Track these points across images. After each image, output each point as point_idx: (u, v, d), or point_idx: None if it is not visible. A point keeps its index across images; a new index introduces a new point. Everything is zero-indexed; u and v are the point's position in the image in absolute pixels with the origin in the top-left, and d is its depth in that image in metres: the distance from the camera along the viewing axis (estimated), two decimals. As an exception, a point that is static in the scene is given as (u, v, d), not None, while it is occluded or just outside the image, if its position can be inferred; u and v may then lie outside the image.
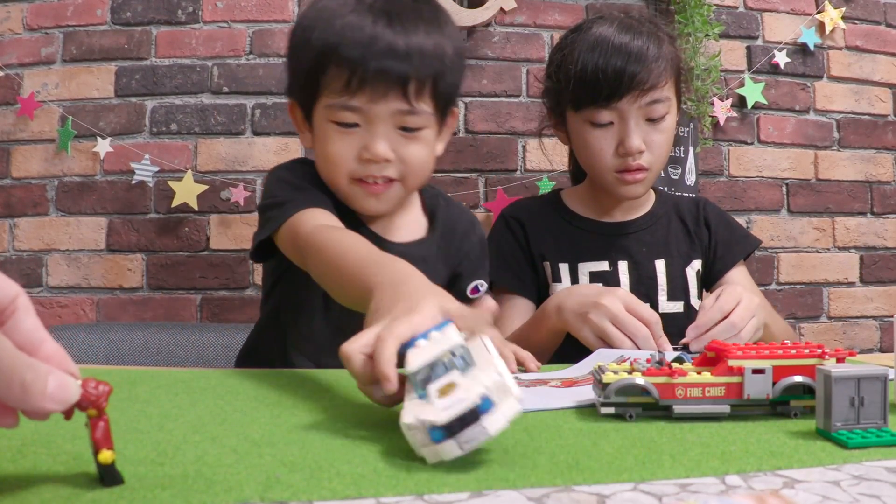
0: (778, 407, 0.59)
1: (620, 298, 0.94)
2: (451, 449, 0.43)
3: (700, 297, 1.22)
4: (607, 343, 0.93)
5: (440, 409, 0.44)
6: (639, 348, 0.90)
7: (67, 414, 0.39)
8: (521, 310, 1.19)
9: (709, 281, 1.25)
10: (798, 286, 2.04)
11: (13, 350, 0.35)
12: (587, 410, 0.62)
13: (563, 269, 1.19)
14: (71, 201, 1.82)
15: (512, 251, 1.22)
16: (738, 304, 0.94)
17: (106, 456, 0.39)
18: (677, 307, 1.18)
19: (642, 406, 0.58)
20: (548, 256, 1.20)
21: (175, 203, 1.77)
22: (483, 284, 1.08)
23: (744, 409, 0.59)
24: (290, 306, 1.01)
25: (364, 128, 0.92)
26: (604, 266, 1.18)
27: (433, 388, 0.46)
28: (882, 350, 2.09)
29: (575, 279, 1.18)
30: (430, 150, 0.98)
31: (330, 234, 0.81)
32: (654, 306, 1.15)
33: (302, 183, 0.95)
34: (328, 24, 0.89)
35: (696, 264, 1.23)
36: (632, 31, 1.09)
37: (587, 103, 1.10)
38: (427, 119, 0.94)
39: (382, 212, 0.98)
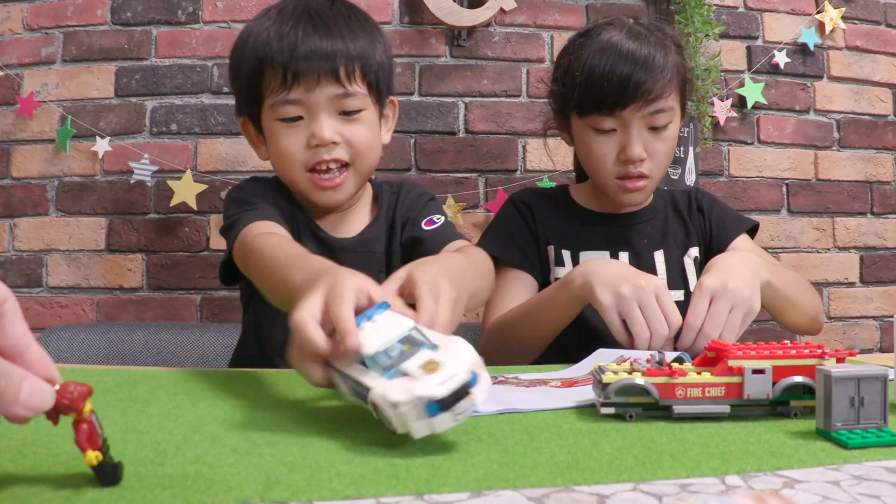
0: (778, 407, 0.59)
1: (656, 287, 0.91)
2: (445, 421, 0.47)
3: None
4: (624, 323, 0.90)
5: (436, 385, 0.47)
6: (649, 347, 0.89)
7: (52, 419, 0.39)
8: (525, 285, 1.20)
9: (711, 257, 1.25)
10: (798, 286, 2.04)
11: None
12: (587, 410, 0.62)
13: (566, 255, 1.20)
14: (71, 201, 1.82)
15: (520, 230, 1.23)
16: (709, 302, 0.90)
17: (90, 458, 0.39)
18: (678, 295, 1.18)
19: (642, 406, 0.58)
20: (552, 241, 1.22)
21: (174, 203, 1.77)
22: (438, 217, 1.10)
23: (744, 410, 0.59)
24: (266, 319, 1.06)
25: (307, 118, 0.99)
26: (605, 255, 1.19)
27: (412, 365, 0.49)
28: (882, 350, 2.09)
29: (577, 265, 1.17)
30: (372, 132, 1.04)
31: (264, 241, 0.87)
32: None
33: (250, 198, 1.03)
34: (257, 37, 1.00)
35: (693, 251, 1.24)
36: (640, 39, 1.10)
37: (591, 110, 1.11)
38: (363, 100, 1.01)
39: (341, 201, 1.05)
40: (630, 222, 1.24)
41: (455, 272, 0.71)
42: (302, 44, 0.96)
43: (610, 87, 1.07)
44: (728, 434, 0.54)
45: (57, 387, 0.39)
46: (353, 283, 0.56)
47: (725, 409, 0.58)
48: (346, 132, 1.00)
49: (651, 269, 1.19)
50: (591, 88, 1.09)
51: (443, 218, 1.10)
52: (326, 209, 1.07)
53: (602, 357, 0.85)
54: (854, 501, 0.39)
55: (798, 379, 0.58)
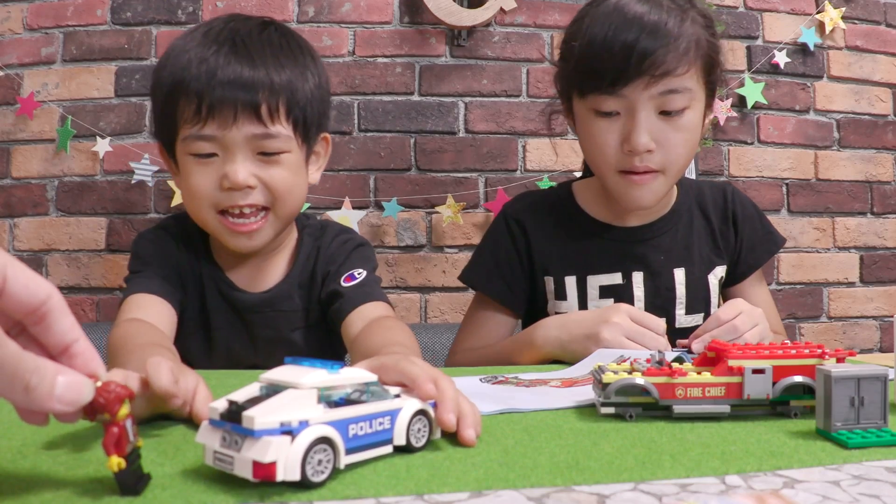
0: (778, 407, 0.59)
1: (626, 312, 0.89)
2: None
3: (719, 304, 1.09)
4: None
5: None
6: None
7: (89, 415, 0.39)
8: (500, 324, 1.11)
9: (727, 282, 1.13)
10: (798, 286, 2.04)
11: (16, 354, 0.35)
12: (587, 410, 0.62)
13: (570, 282, 1.06)
14: (71, 201, 1.82)
15: (508, 257, 1.09)
16: (739, 313, 0.89)
17: (112, 463, 0.38)
18: (697, 320, 1.05)
19: (642, 406, 0.58)
20: (552, 270, 1.07)
21: (174, 202, 1.77)
22: (360, 272, 1.00)
23: (744, 410, 0.59)
24: (183, 352, 0.97)
25: (222, 157, 0.90)
26: (616, 279, 1.05)
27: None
28: (882, 350, 2.09)
29: (583, 294, 1.05)
30: (295, 174, 0.94)
31: (122, 330, 0.84)
32: (671, 320, 1.04)
33: (144, 257, 0.98)
34: (176, 59, 0.91)
35: (720, 271, 1.09)
36: (651, 2, 0.92)
37: (591, 87, 0.94)
38: (286, 142, 0.92)
39: (256, 248, 0.96)
40: (646, 236, 1.07)
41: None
42: (220, 71, 0.87)
43: (611, 57, 0.90)
44: (728, 434, 0.54)
45: (98, 383, 0.39)
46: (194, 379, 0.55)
47: (725, 409, 0.58)
48: (264, 175, 0.91)
49: (669, 291, 1.06)
50: (590, 60, 0.92)
51: (364, 272, 1.00)
52: (240, 255, 0.99)
53: (602, 357, 0.85)
54: (854, 501, 0.39)
55: (798, 379, 0.58)
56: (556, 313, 1.05)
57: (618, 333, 0.87)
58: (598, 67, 0.92)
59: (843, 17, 2.02)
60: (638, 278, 1.05)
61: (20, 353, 0.35)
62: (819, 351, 0.59)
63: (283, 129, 0.91)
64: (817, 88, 2.05)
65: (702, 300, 1.07)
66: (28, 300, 0.37)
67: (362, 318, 0.92)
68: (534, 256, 1.08)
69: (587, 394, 0.67)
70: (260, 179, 0.91)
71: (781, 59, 1.99)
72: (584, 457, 0.48)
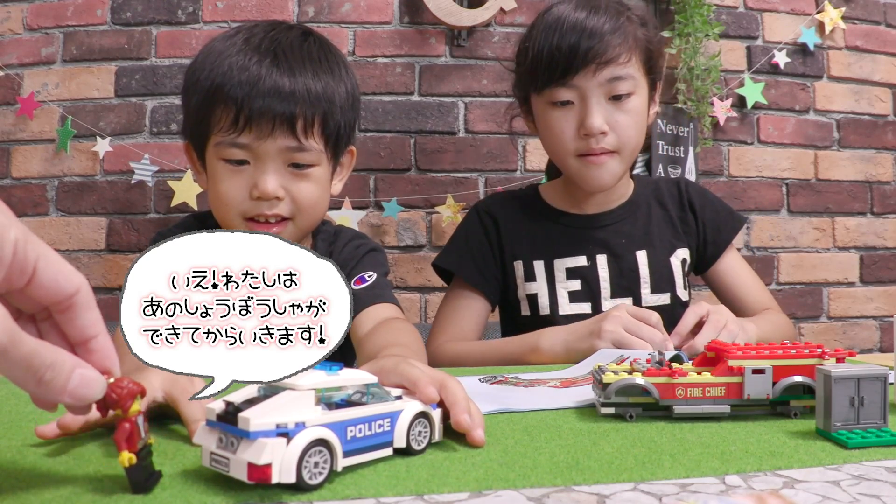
0: (778, 407, 0.59)
1: (625, 309, 0.94)
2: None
3: (686, 286, 1.18)
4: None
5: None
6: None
7: (101, 411, 0.39)
8: (475, 311, 1.16)
9: (701, 266, 1.22)
10: (798, 286, 2.04)
11: (32, 351, 0.36)
12: (587, 410, 0.62)
13: (539, 266, 1.15)
14: (71, 201, 1.82)
15: (480, 246, 1.18)
16: (706, 311, 0.95)
17: (123, 458, 0.38)
18: (663, 299, 1.14)
19: (642, 406, 0.58)
20: (521, 255, 1.16)
21: (175, 202, 1.77)
22: (370, 275, 1.02)
23: (744, 410, 0.59)
24: None
25: (254, 165, 0.92)
26: (581, 261, 1.14)
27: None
28: (882, 350, 2.09)
29: (551, 276, 1.14)
30: (321, 188, 0.97)
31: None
32: (637, 300, 1.13)
33: None
34: (215, 64, 0.91)
35: (681, 253, 1.18)
36: (588, 8, 1.06)
37: (546, 83, 1.05)
38: (317, 156, 0.94)
39: None
40: (607, 221, 1.17)
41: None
42: (262, 81, 0.89)
43: (560, 56, 1.03)
44: (728, 434, 0.54)
45: (111, 380, 0.39)
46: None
47: (726, 409, 0.58)
48: (292, 188, 0.93)
49: (633, 272, 1.15)
50: (542, 62, 1.05)
51: (375, 275, 1.02)
52: None
53: (602, 357, 0.85)
54: (854, 501, 0.39)
55: (798, 379, 0.58)
56: (527, 295, 1.15)
57: (617, 325, 0.91)
58: (549, 65, 1.04)
59: (843, 17, 2.02)
60: (602, 260, 1.14)
61: (37, 349, 0.36)
62: (819, 351, 0.59)
63: (315, 144, 0.93)
64: (817, 88, 2.05)
65: (666, 280, 1.16)
66: (55, 292, 0.38)
67: (371, 320, 0.93)
68: (503, 244, 1.17)
69: (587, 394, 0.67)
70: (288, 191, 0.93)
71: (781, 59, 1.99)
72: (584, 457, 0.48)
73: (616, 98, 1.05)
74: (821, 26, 2.02)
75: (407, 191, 1.87)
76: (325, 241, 1.08)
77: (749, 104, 1.98)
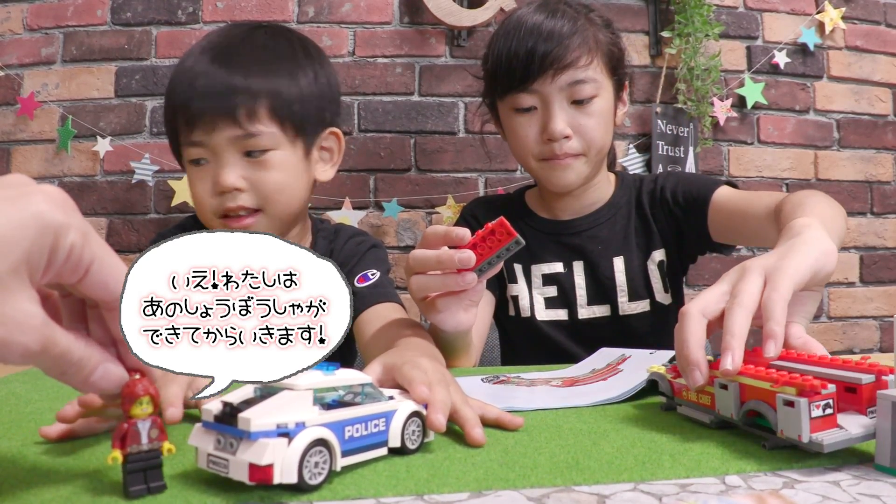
0: (747, 427, 0.52)
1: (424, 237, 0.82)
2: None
3: (668, 289, 1.12)
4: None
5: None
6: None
7: (123, 406, 0.40)
8: (483, 305, 1.13)
9: (701, 244, 1.11)
10: (798, 286, 2.04)
11: (63, 351, 0.37)
12: (587, 410, 0.62)
13: (518, 269, 1.14)
14: (71, 201, 1.82)
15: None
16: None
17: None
18: (641, 306, 1.11)
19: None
20: None
21: (175, 202, 1.77)
22: (373, 273, 1.02)
23: (723, 423, 0.54)
24: None
25: (212, 161, 0.94)
26: (557, 267, 1.13)
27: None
28: (882, 350, 2.09)
29: (528, 280, 1.14)
30: (286, 173, 0.95)
31: None
32: (615, 309, 1.11)
33: None
34: (174, 72, 0.96)
35: (657, 255, 1.12)
36: (546, 12, 1.04)
37: (507, 89, 1.04)
38: (271, 139, 0.93)
39: None
40: (582, 227, 1.14)
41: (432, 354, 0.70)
42: (198, 81, 0.91)
43: (518, 62, 1.02)
44: (728, 434, 0.54)
45: (136, 377, 0.40)
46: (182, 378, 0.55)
47: (706, 419, 0.56)
48: (252, 176, 0.93)
49: (609, 279, 1.11)
50: (502, 67, 1.04)
51: (378, 273, 1.02)
52: None
53: (603, 356, 0.85)
54: (854, 501, 0.39)
55: (751, 405, 0.50)
56: (511, 296, 1.15)
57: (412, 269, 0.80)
58: (508, 71, 1.03)
59: (843, 18, 2.02)
60: (578, 267, 1.13)
61: (67, 350, 0.37)
62: (853, 368, 0.49)
63: (264, 128, 0.93)
64: (817, 88, 2.05)
65: (643, 287, 1.12)
66: (103, 294, 0.39)
67: (378, 318, 0.93)
68: None
69: (588, 393, 0.67)
70: (249, 182, 0.93)
71: (781, 59, 1.99)
72: (584, 457, 0.48)
73: (578, 102, 1.03)
74: (821, 26, 2.02)
75: (407, 191, 1.87)
76: (326, 238, 1.08)
77: (749, 104, 1.98)
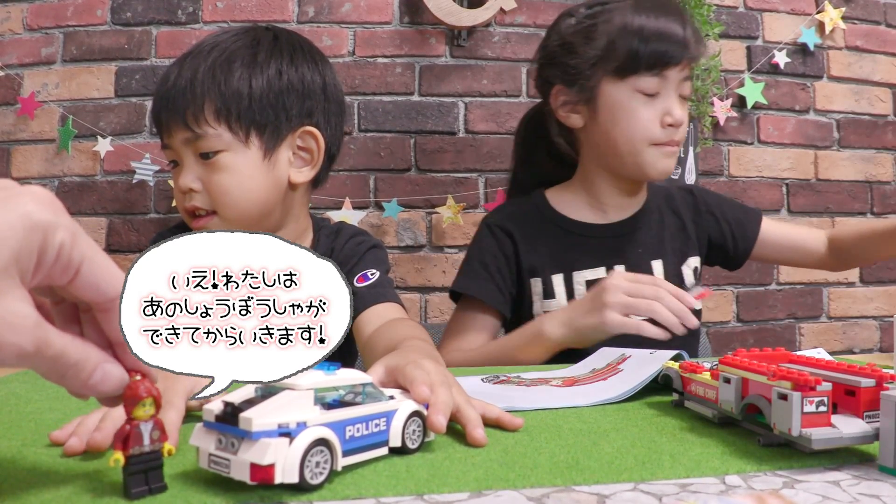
0: (747, 423, 0.52)
1: (621, 275, 0.94)
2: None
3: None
4: (637, 317, 0.90)
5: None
6: (663, 314, 0.88)
7: (126, 410, 0.40)
8: (488, 329, 1.12)
9: (735, 262, 1.22)
10: (798, 286, 2.04)
11: (59, 353, 0.37)
12: (587, 410, 0.62)
13: (557, 280, 1.11)
14: (71, 201, 1.82)
15: (497, 264, 1.13)
16: None
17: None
18: None
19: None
20: (539, 271, 1.12)
21: (175, 202, 1.77)
22: (373, 273, 1.00)
23: (725, 419, 0.55)
24: None
25: (179, 163, 0.98)
26: (600, 272, 1.11)
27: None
28: (882, 350, 2.09)
29: (570, 290, 1.11)
30: (237, 176, 0.95)
31: None
32: None
33: None
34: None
35: (693, 261, 1.16)
36: (677, 10, 1.09)
37: (640, 68, 1.03)
38: (219, 141, 0.93)
39: None
40: (622, 231, 1.14)
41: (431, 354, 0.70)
42: (160, 87, 0.96)
43: (665, 41, 1.03)
44: (728, 434, 0.54)
45: (137, 377, 0.40)
46: (182, 389, 0.54)
47: (709, 413, 0.57)
48: (205, 178, 0.95)
49: None
50: (642, 45, 1.03)
51: (378, 273, 1.00)
52: None
53: (604, 356, 0.85)
54: (854, 501, 0.39)
55: (752, 397, 0.50)
56: (545, 312, 1.08)
57: (618, 293, 0.91)
58: (652, 51, 1.03)
59: (843, 18, 2.02)
60: (620, 270, 1.10)
61: (63, 351, 0.37)
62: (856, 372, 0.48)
63: (211, 129, 0.93)
64: (817, 88, 2.05)
65: None
66: (95, 295, 0.39)
67: (377, 318, 0.93)
68: (521, 260, 1.13)
69: (588, 393, 0.67)
70: (203, 183, 0.96)
71: (781, 59, 1.99)
72: (584, 457, 0.48)
73: (682, 97, 1.08)
74: (821, 26, 2.02)
75: (407, 191, 1.87)
76: (328, 237, 1.07)
77: (749, 104, 1.98)
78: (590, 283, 1.10)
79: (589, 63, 1.07)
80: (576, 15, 1.11)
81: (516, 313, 1.14)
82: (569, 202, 1.17)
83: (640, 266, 1.12)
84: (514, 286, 1.13)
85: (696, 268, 1.17)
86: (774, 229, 1.22)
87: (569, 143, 1.18)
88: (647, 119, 1.05)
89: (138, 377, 0.40)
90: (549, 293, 1.11)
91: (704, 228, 1.19)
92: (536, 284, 1.12)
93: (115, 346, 0.41)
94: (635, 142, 1.07)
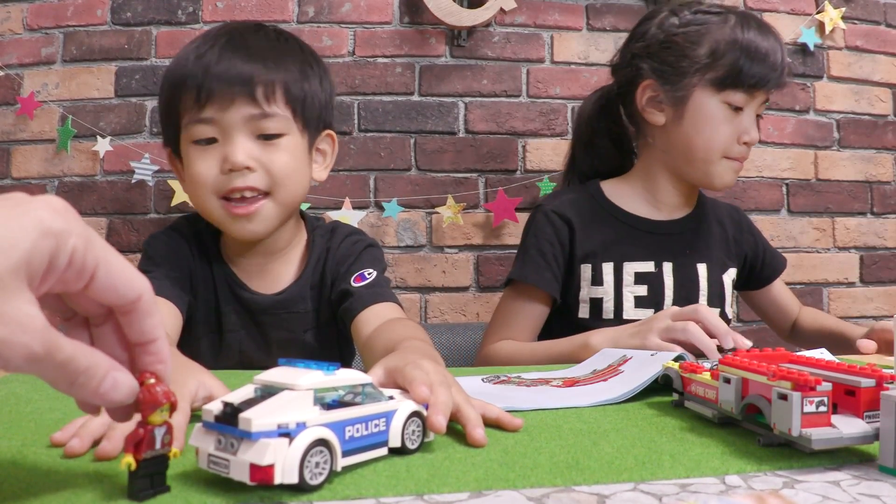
0: (746, 423, 0.53)
1: (672, 309, 0.93)
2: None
3: (732, 304, 1.23)
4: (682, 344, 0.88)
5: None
6: (697, 335, 0.88)
7: (141, 413, 0.39)
8: (537, 315, 1.16)
9: (753, 284, 1.30)
10: (798, 286, 2.04)
11: (68, 358, 0.36)
12: (587, 410, 0.62)
13: (608, 268, 1.15)
14: (71, 201, 1.78)
15: (553, 251, 1.16)
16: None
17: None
18: (715, 313, 1.12)
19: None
20: (591, 258, 1.15)
21: (175, 202, 1.77)
22: (370, 272, 1.01)
23: (725, 419, 0.55)
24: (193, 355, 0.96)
25: (222, 140, 0.92)
26: (649, 267, 1.15)
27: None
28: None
29: (619, 279, 1.14)
30: (296, 159, 0.95)
31: None
32: None
33: (154, 258, 0.99)
34: (178, 62, 0.95)
35: (732, 272, 1.22)
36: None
37: (739, 84, 1.08)
38: (284, 123, 0.93)
39: (258, 234, 0.96)
40: (674, 230, 1.19)
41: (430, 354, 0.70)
42: (216, 63, 0.91)
43: (768, 64, 1.07)
44: (728, 434, 0.54)
45: (151, 381, 0.40)
46: (188, 392, 0.55)
47: (708, 413, 0.57)
48: (263, 158, 0.92)
49: (693, 283, 1.16)
50: (747, 63, 1.07)
51: (375, 273, 1.01)
52: (244, 242, 0.99)
53: (605, 357, 0.85)
54: (854, 501, 0.39)
55: (752, 397, 0.50)
56: (591, 298, 1.15)
57: (665, 320, 0.91)
58: (754, 70, 1.08)
59: (843, 17, 2.02)
60: (668, 268, 1.16)
61: (73, 356, 0.36)
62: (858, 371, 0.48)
63: (279, 111, 0.93)
64: (817, 88, 2.04)
65: (718, 296, 1.18)
66: (113, 298, 0.39)
67: (375, 318, 0.93)
68: (575, 246, 1.17)
69: (589, 393, 0.67)
70: (260, 162, 0.92)
71: (781, 59, 1.99)
72: (584, 457, 0.48)
73: (758, 116, 1.13)
74: (821, 26, 2.02)
75: (407, 191, 1.87)
76: (323, 237, 1.07)
77: (749, 104, 1.98)
78: (639, 276, 1.15)
79: (693, 68, 1.10)
80: (679, 15, 1.13)
81: (563, 297, 1.18)
82: (624, 195, 1.21)
83: (686, 266, 1.16)
84: (564, 271, 1.17)
85: (733, 279, 1.22)
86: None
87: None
88: (728, 133, 1.10)
89: (152, 380, 0.40)
90: (597, 280, 1.15)
91: (743, 246, 1.26)
92: (586, 271, 1.16)
93: (135, 349, 0.41)
94: (712, 152, 1.12)
